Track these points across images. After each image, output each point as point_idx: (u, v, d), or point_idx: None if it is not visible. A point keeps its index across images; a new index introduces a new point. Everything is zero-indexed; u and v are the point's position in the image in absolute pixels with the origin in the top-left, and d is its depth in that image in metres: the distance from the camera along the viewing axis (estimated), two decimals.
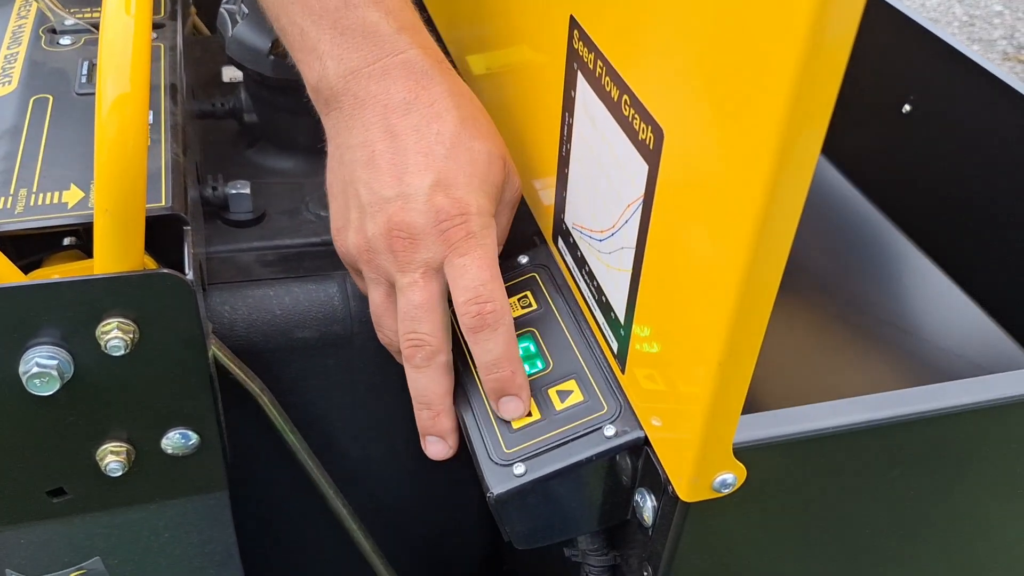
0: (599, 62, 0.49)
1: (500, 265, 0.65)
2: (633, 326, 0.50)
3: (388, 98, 0.55)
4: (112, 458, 0.57)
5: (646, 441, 0.51)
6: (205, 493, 0.62)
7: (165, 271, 0.52)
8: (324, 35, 0.56)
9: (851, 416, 0.48)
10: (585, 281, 0.57)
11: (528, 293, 0.62)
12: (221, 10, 0.79)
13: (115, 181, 0.49)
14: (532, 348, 0.59)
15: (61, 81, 0.69)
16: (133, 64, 0.49)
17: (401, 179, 0.54)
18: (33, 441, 0.56)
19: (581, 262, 0.57)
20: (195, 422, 0.58)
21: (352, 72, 0.56)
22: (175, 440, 0.58)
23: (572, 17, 0.52)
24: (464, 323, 0.55)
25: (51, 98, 0.67)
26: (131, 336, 0.52)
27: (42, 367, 0.51)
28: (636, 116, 0.46)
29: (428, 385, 0.57)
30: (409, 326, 0.56)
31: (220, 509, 0.64)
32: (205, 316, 0.56)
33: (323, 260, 0.71)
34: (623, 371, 0.53)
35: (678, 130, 0.42)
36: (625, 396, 0.53)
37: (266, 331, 0.67)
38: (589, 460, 0.52)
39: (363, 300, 0.69)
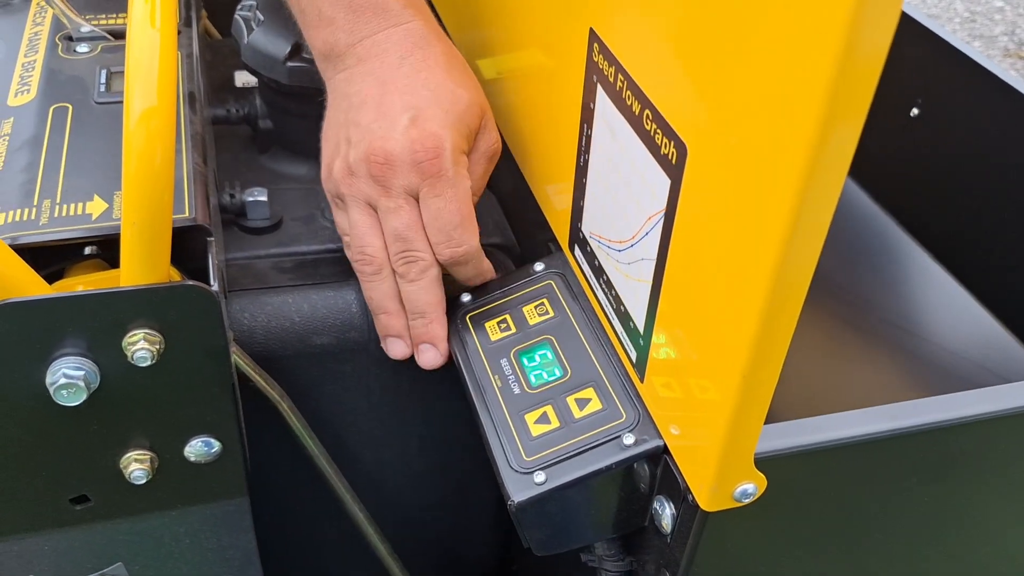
0: (620, 76, 0.50)
1: (516, 272, 0.66)
2: (653, 336, 0.51)
3: (386, 55, 0.62)
4: (136, 466, 0.57)
5: (665, 449, 0.52)
6: (226, 499, 0.63)
7: (191, 283, 0.52)
8: (339, 13, 0.63)
9: (872, 426, 0.48)
10: (603, 290, 0.58)
11: (545, 300, 0.63)
12: (236, 16, 0.79)
13: (142, 194, 0.49)
14: (550, 356, 0.59)
15: (80, 90, 0.69)
16: (160, 77, 0.49)
17: (385, 115, 0.61)
18: (58, 450, 0.56)
19: (599, 271, 0.58)
20: (217, 430, 0.59)
21: (360, 40, 0.63)
22: (198, 448, 0.59)
23: (592, 30, 0.52)
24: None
25: (70, 107, 0.67)
26: (157, 347, 0.52)
27: (69, 378, 0.51)
28: (658, 131, 0.46)
29: (422, 296, 0.63)
30: (402, 245, 0.62)
31: (240, 515, 0.64)
32: (228, 325, 0.57)
33: (340, 267, 0.71)
34: (642, 380, 0.53)
35: (702, 146, 0.42)
36: (644, 404, 0.54)
37: (284, 338, 0.68)
38: (608, 468, 0.52)
39: None
